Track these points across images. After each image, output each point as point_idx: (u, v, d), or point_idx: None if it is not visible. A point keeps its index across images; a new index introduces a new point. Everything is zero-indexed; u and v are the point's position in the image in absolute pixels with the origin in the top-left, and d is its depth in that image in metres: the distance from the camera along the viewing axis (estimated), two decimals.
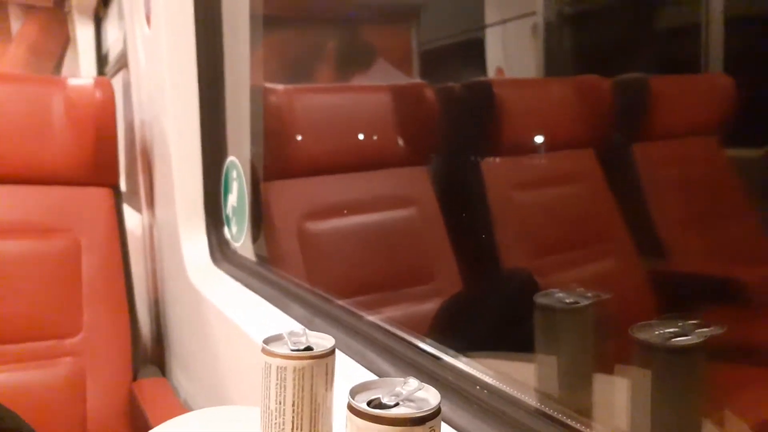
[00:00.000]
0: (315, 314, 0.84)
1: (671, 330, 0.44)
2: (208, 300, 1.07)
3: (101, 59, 2.82)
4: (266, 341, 0.49)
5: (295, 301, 0.91)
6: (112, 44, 2.57)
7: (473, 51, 1.15)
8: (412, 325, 0.74)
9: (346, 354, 0.70)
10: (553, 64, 1.01)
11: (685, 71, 0.75)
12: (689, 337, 0.43)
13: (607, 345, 0.52)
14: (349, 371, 0.68)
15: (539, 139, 1.03)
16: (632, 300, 0.61)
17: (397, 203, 1.19)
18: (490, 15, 1.14)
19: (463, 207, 1.07)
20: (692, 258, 0.63)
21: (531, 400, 0.51)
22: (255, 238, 1.15)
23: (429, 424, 0.38)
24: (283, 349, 0.48)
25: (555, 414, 0.49)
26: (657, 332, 0.44)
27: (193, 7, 1.15)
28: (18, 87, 1.25)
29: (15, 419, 0.74)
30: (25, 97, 1.23)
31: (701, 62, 0.69)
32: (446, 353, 0.62)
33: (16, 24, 3.27)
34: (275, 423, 0.48)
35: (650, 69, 0.81)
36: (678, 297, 0.57)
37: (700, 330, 0.43)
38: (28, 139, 1.20)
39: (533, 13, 1.01)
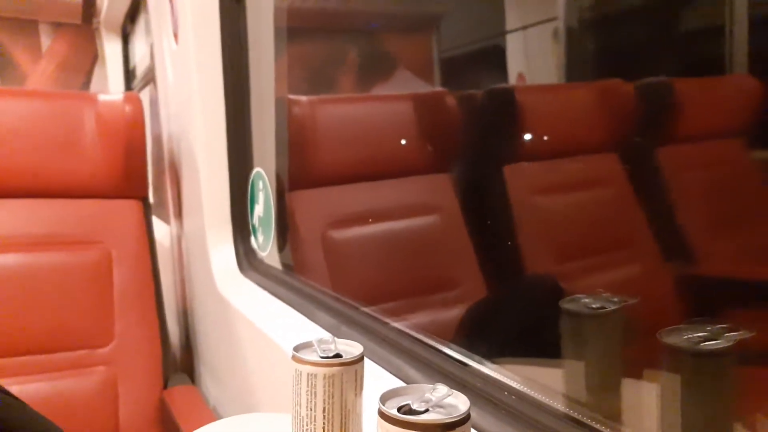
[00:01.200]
0: (342, 321, 0.85)
1: (700, 334, 0.44)
2: (235, 308, 1.08)
3: (128, 74, 2.89)
4: (296, 349, 0.50)
5: (321, 308, 0.92)
6: (139, 60, 2.63)
7: (494, 58, 1.15)
8: (438, 331, 0.74)
9: (374, 361, 0.71)
10: (575, 69, 1.01)
11: (709, 73, 0.74)
12: (718, 341, 0.43)
13: (635, 350, 0.52)
14: (376, 378, 0.68)
15: (562, 144, 1.03)
16: (659, 305, 0.61)
17: (420, 211, 1.19)
18: (511, 21, 1.14)
19: (486, 213, 1.07)
20: (719, 261, 0.63)
21: (559, 406, 0.51)
22: (281, 247, 1.17)
23: (459, 429, 0.38)
24: (313, 356, 0.49)
25: (584, 419, 0.49)
26: (685, 336, 0.44)
27: (219, 22, 1.18)
28: (50, 103, 1.28)
29: (56, 430, 0.76)
30: (57, 113, 1.26)
31: (726, 64, 0.68)
32: (473, 359, 0.62)
33: (46, 41, 3.36)
34: (307, 429, 0.49)
35: (673, 72, 0.80)
36: (706, 301, 0.57)
37: (729, 334, 0.43)
38: (60, 154, 1.24)
39: (554, 18, 1.01)
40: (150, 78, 2.21)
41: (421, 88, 1.30)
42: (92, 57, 3.37)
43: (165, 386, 1.22)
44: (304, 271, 1.14)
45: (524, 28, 1.10)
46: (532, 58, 1.08)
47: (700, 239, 0.67)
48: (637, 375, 0.51)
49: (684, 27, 0.75)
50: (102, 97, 1.29)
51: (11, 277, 1.15)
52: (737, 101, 0.70)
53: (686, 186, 0.75)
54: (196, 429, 0.69)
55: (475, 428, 0.53)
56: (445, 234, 1.16)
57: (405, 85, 1.38)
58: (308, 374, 0.48)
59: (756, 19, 0.64)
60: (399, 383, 0.67)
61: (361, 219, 1.17)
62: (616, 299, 0.52)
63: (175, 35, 1.31)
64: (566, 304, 0.54)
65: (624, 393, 0.51)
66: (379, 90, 1.43)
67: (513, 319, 0.80)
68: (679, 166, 0.79)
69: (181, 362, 1.50)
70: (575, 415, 0.49)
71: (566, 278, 0.79)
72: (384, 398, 0.41)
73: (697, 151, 0.76)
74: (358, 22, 1.49)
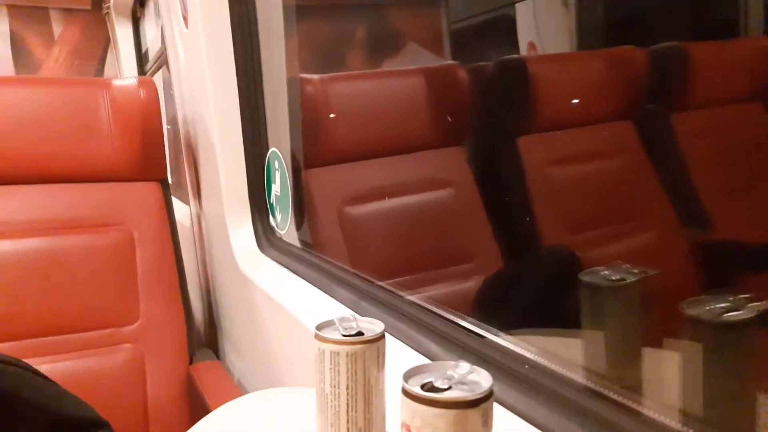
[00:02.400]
0: (360, 297, 0.85)
1: (722, 305, 0.43)
2: (256, 285, 1.09)
3: (141, 58, 2.87)
4: (318, 327, 0.50)
5: (340, 284, 0.92)
6: (151, 43, 2.61)
7: (504, 27, 1.12)
8: (456, 305, 0.73)
9: (394, 335, 0.71)
10: (587, 36, 0.98)
11: (723, 36, 0.72)
12: (741, 312, 0.42)
13: (655, 322, 0.51)
14: (397, 353, 0.68)
15: (575, 113, 1.01)
16: (679, 275, 0.60)
17: (434, 184, 1.18)
18: None
19: (500, 185, 1.06)
20: (740, 229, 0.61)
21: (580, 378, 0.51)
22: (298, 225, 1.17)
23: (482, 406, 0.38)
24: (335, 334, 0.49)
25: (604, 391, 0.48)
26: (708, 308, 0.43)
27: (228, 4, 1.16)
28: (67, 90, 1.28)
29: (89, 409, 0.77)
30: (73, 99, 1.26)
31: (740, 26, 0.66)
32: (492, 332, 0.62)
33: (57, 28, 3.35)
34: (331, 406, 0.49)
35: (687, 36, 0.77)
36: (727, 270, 0.56)
37: (752, 304, 0.42)
38: (79, 140, 1.24)
39: None
40: (162, 61, 2.19)
41: (432, 61, 1.28)
42: (104, 42, 3.35)
43: (190, 362, 1.23)
44: (322, 248, 1.14)
45: None
46: (543, 26, 1.05)
47: (720, 206, 0.66)
48: (658, 347, 0.50)
49: None
50: (116, 82, 1.29)
51: (37, 260, 1.16)
52: (753, 63, 0.68)
53: (703, 152, 0.74)
54: (222, 402, 0.70)
55: (496, 401, 0.53)
56: (461, 207, 1.15)
57: (415, 59, 1.36)
58: (331, 352, 0.48)
59: None
60: (420, 358, 0.67)
61: (376, 195, 1.16)
62: (635, 271, 0.51)
63: (185, 18, 1.29)
64: (585, 277, 0.53)
65: (645, 365, 0.51)
66: (390, 65, 1.40)
67: (531, 292, 0.79)
68: (695, 131, 0.77)
69: (205, 338, 1.52)
70: (596, 387, 0.49)
71: (584, 250, 0.78)
72: (407, 376, 0.40)
73: (713, 116, 0.74)
74: None
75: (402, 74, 1.30)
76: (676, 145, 0.80)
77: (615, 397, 0.47)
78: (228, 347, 1.40)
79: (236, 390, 1.11)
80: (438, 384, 0.39)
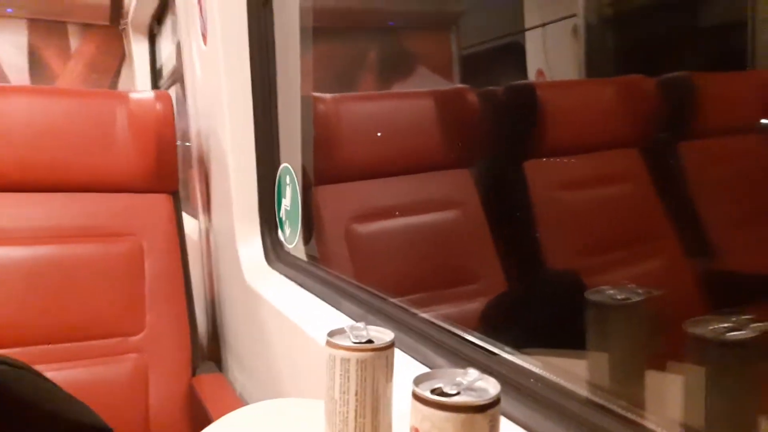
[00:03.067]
0: (368, 311, 0.86)
1: (725, 325, 0.44)
2: (263, 298, 1.10)
3: (155, 74, 2.92)
4: (330, 334, 0.51)
5: (346, 298, 0.93)
6: (166, 59, 2.66)
7: (514, 54, 1.15)
8: (461, 323, 0.74)
9: (401, 349, 0.72)
10: (595, 64, 1.00)
11: (731, 68, 0.73)
12: (744, 332, 0.43)
13: (660, 340, 0.52)
14: (404, 365, 0.69)
15: (582, 139, 1.02)
16: (683, 297, 0.61)
17: (441, 205, 1.20)
18: (530, 18, 1.14)
19: (507, 208, 1.07)
20: (742, 255, 0.62)
21: (585, 393, 0.51)
22: (306, 240, 1.18)
23: (489, 412, 0.39)
24: (346, 342, 0.50)
25: (609, 405, 0.49)
26: (711, 327, 0.44)
27: (246, 23, 1.19)
28: (84, 101, 1.30)
29: (90, 414, 0.78)
30: (90, 110, 1.28)
31: (747, 58, 0.68)
32: (499, 348, 0.63)
33: (75, 42, 3.42)
34: (339, 411, 0.50)
35: (695, 66, 0.79)
36: (730, 293, 0.57)
37: (754, 324, 0.43)
38: (94, 150, 1.26)
39: (573, 15, 1.01)
40: (177, 77, 2.23)
41: (442, 84, 1.30)
42: (120, 57, 3.42)
43: (194, 374, 1.24)
44: (329, 263, 1.15)
45: (543, 25, 1.10)
46: (552, 54, 1.07)
47: (724, 232, 0.67)
48: (662, 365, 0.51)
49: (705, 21, 0.75)
50: (133, 95, 1.31)
51: (47, 267, 1.17)
52: (760, 95, 0.69)
53: (708, 180, 0.75)
54: (224, 414, 0.71)
55: (503, 414, 0.54)
56: (467, 228, 1.16)
57: (426, 81, 1.39)
58: (342, 359, 0.49)
59: None
60: (425, 369, 0.67)
61: (384, 213, 1.18)
62: (641, 291, 0.52)
63: (204, 36, 1.33)
64: (591, 296, 0.54)
65: (649, 382, 0.51)
66: (401, 87, 1.43)
67: (538, 311, 0.80)
68: (701, 160, 0.79)
69: (208, 351, 1.52)
70: (601, 402, 0.50)
71: (587, 272, 0.79)
72: (418, 381, 0.41)
73: (720, 146, 0.76)
74: (379, 21, 1.49)
75: (412, 96, 1.32)
76: (683, 172, 0.82)
77: (620, 411, 0.48)
78: (231, 360, 1.40)
79: (239, 402, 1.12)
80: (447, 389, 0.41)
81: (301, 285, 1.07)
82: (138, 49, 3.03)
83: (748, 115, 0.74)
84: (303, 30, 1.21)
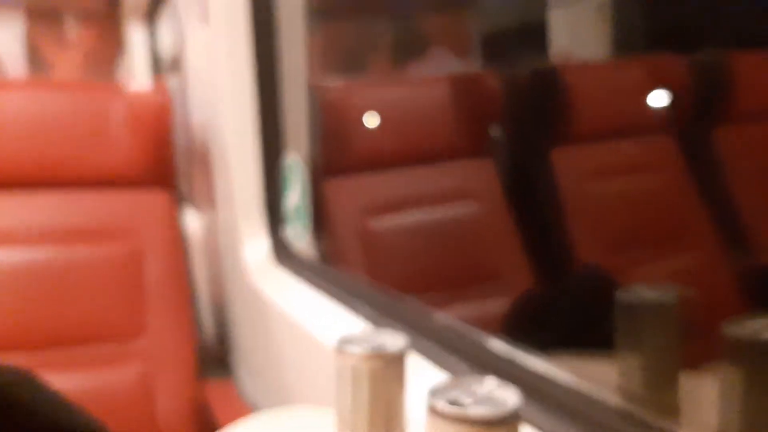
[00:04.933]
0: (380, 312, 0.85)
1: (765, 325, 0.43)
2: (270, 299, 1.10)
3: (155, 62, 2.94)
4: (340, 342, 0.51)
5: (358, 299, 0.92)
6: (165, 48, 2.67)
7: (536, 34, 1.13)
8: (482, 323, 0.74)
9: (417, 352, 0.71)
10: (623, 44, 0.99)
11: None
12: None
13: (696, 342, 0.52)
14: (419, 369, 0.69)
15: (610, 125, 1.01)
16: (721, 296, 0.60)
17: (460, 197, 1.19)
18: None
19: (531, 199, 1.06)
20: None
21: (613, 400, 0.51)
22: (316, 236, 1.18)
23: (509, 423, 0.38)
24: (357, 349, 0.50)
25: (639, 414, 0.48)
26: (750, 328, 0.43)
27: (248, 6, 1.19)
28: (79, 93, 1.32)
29: (95, 422, 0.78)
30: (86, 103, 1.30)
31: None
32: (520, 352, 0.62)
33: (72, 31, 3.45)
34: (351, 422, 0.50)
35: (731, 45, 0.78)
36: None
37: None
38: (90, 144, 1.27)
39: None
40: (177, 65, 2.24)
41: (459, 68, 1.29)
42: (118, 46, 3.44)
43: (200, 378, 1.25)
44: (340, 261, 1.15)
45: (567, 3, 1.08)
46: (576, 34, 1.06)
47: (764, 227, 0.66)
48: (697, 368, 0.50)
49: None
50: (130, 86, 1.33)
51: (42, 269, 1.19)
52: None
53: (748, 169, 0.73)
54: (232, 420, 0.71)
55: (527, 422, 0.53)
56: (489, 221, 1.15)
57: (441, 65, 1.37)
58: (353, 367, 0.49)
59: None
60: (443, 375, 0.67)
61: (398, 206, 1.17)
62: (674, 290, 0.52)
63: (204, 21, 1.33)
64: (623, 296, 0.53)
65: (683, 387, 0.51)
66: (415, 71, 1.42)
67: (562, 310, 0.79)
68: (739, 147, 0.77)
69: (215, 354, 1.53)
70: (630, 410, 0.49)
71: (618, 268, 0.78)
72: (433, 391, 0.41)
73: (759, 132, 0.74)
74: (392, 1, 1.48)
75: (428, 82, 1.31)
76: (718, 161, 0.80)
77: (652, 420, 0.47)
78: (239, 364, 1.41)
79: (247, 408, 1.12)
80: (464, 400, 0.40)
81: (310, 285, 1.07)
82: (136, 36, 3.05)
83: None
84: (308, 11, 1.20)
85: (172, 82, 2.22)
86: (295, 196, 1.18)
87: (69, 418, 0.76)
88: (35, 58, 3.38)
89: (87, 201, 1.26)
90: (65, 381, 1.13)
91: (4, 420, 0.67)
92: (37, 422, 0.71)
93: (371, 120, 1.21)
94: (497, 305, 1.04)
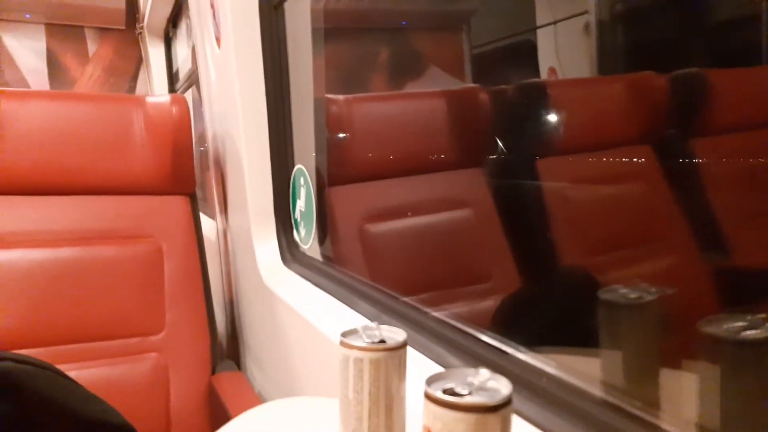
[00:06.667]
0: (381, 310, 0.86)
1: (740, 324, 0.44)
2: (279, 298, 1.11)
3: (172, 77, 2.95)
4: (344, 335, 0.51)
5: (361, 298, 0.93)
6: (182, 63, 2.69)
7: (525, 52, 1.14)
8: (475, 321, 0.74)
9: (414, 348, 0.72)
10: (607, 62, 1.00)
11: (744, 64, 0.72)
12: (759, 330, 0.43)
13: (673, 340, 0.52)
14: (418, 364, 0.70)
15: (594, 137, 1.02)
16: (696, 295, 0.60)
17: (453, 204, 1.20)
18: (542, 16, 1.13)
19: (519, 207, 1.07)
20: (759, 253, 0.62)
21: (598, 393, 0.51)
22: (321, 240, 1.19)
23: (501, 412, 0.39)
24: (359, 342, 0.50)
25: (622, 405, 0.49)
26: (726, 326, 0.44)
27: (259, 27, 1.20)
28: (102, 105, 1.32)
29: (112, 412, 0.79)
30: (108, 114, 1.30)
31: (762, 53, 0.67)
32: (510, 347, 0.63)
33: (92, 46, 3.46)
34: (354, 410, 0.50)
35: (708, 63, 0.78)
36: (744, 291, 0.56)
37: None
38: (113, 154, 1.28)
39: (585, 12, 1.00)
40: (193, 80, 2.25)
41: (453, 84, 1.30)
42: (137, 61, 3.45)
43: (213, 372, 1.25)
44: (343, 263, 1.15)
45: (555, 22, 1.09)
46: (563, 52, 1.07)
47: (736, 230, 0.66)
48: (676, 365, 0.50)
49: (718, 16, 0.74)
50: (150, 99, 1.33)
51: (69, 269, 1.19)
52: None
53: (721, 177, 0.74)
54: (242, 411, 0.71)
55: (515, 413, 0.54)
56: (480, 227, 1.16)
57: (437, 82, 1.38)
58: (355, 359, 0.49)
59: None
60: (439, 368, 0.68)
61: (397, 213, 1.18)
62: (653, 290, 0.52)
63: (218, 39, 1.34)
64: (604, 295, 0.54)
65: (662, 382, 0.51)
66: (412, 87, 1.43)
67: (550, 309, 0.80)
68: (713, 157, 0.78)
69: (227, 349, 1.53)
70: (613, 401, 0.50)
71: (600, 270, 0.79)
72: (430, 381, 0.42)
73: (731, 142, 0.75)
74: (390, 21, 1.49)
75: (424, 96, 1.32)
76: (695, 169, 0.81)
77: (633, 411, 0.48)
78: (250, 358, 1.41)
79: (257, 400, 1.13)
80: (459, 389, 0.41)
81: (316, 284, 1.08)
82: (154, 52, 3.07)
83: (762, 110, 0.72)
84: (315, 31, 1.21)
85: (187, 95, 2.23)
86: (303, 202, 1.19)
87: (88, 408, 0.77)
88: (57, 72, 3.39)
89: (111, 206, 1.27)
90: (87, 374, 1.15)
91: (23, 408, 0.67)
92: (57, 412, 0.72)
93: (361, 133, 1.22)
94: (487, 305, 1.05)
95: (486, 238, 1.16)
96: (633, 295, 0.53)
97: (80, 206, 1.26)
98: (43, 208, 1.24)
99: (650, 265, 0.79)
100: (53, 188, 1.25)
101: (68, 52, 3.42)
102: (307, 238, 1.18)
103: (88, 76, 3.46)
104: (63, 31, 3.39)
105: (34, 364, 0.72)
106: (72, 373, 0.78)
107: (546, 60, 1.13)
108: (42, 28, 3.35)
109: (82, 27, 3.43)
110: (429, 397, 0.40)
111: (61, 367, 0.78)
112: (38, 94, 1.39)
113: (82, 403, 0.77)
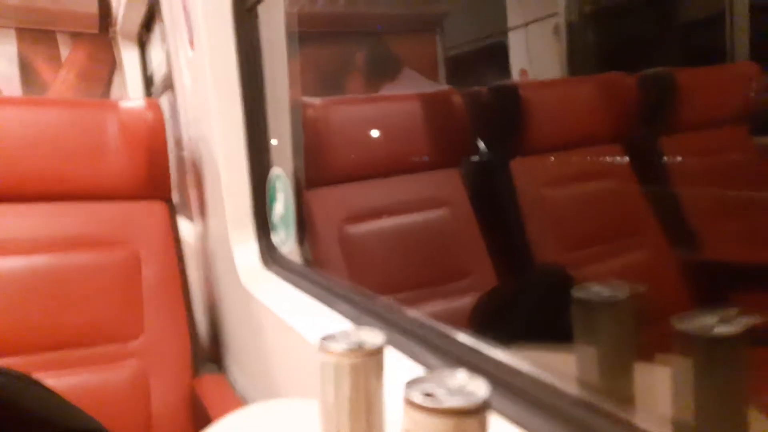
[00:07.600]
0: (361, 312, 0.85)
1: (712, 320, 0.44)
2: (259, 301, 1.09)
3: (147, 81, 2.90)
4: (322, 340, 0.50)
5: (341, 299, 0.92)
6: (157, 67, 2.63)
7: (497, 54, 1.14)
8: (453, 319, 0.74)
9: (394, 348, 0.71)
10: (577, 63, 1.00)
11: (710, 62, 0.73)
12: (731, 326, 0.43)
13: (647, 336, 0.52)
14: (397, 364, 0.69)
15: (566, 137, 1.02)
16: (669, 291, 0.61)
17: (430, 204, 1.19)
18: (513, 18, 1.13)
19: (494, 205, 1.07)
20: (727, 247, 0.62)
21: (574, 390, 0.51)
22: (300, 242, 1.17)
23: (479, 414, 0.38)
24: (338, 347, 0.49)
25: (598, 403, 0.49)
26: (698, 322, 0.44)
27: (233, 30, 1.18)
28: (75, 111, 1.29)
29: (94, 422, 0.77)
30: (81, 120, 1.27)
31: (726, 52, 0.67)
32: (487, 345, 0.63)
33: (65, 51, 3.37)
34: (333, 416, 0.49)
35: (674, 62, 0.79)
36: (715, 286, 0.56)
37: (741, 318, 0.43)
38: (87, 160, 1.25)
39: (555, 14, 1.00)
40: (168, 84, 2.21)
41: (428, 87, 1.30)
42: (110, 65, 3.38)
43: (195, 375, 1.23)
44: (322, 264, 1.14)
45: (525, 25, 1.10)
46: (534, 53, 1.07)
47: (707, 226, 0.67)
48: (650, 361, 0.50)
49: (684, 17, 0.74)
50: (124, 104, 1.30)
51: (44, 277, 1.16)
52: (739, 87, 0.69)
53: (690, 173, 0.75)
54: (225, 414, 0.70)
55: (495, 411, 0.53)
56: (457, 226, 1.16)
57: (412, 83, 1.38)
58: (334, 364, 0.48)
59: (758, 7, 0.63)
60: (418, 368, 0.67)
61: (375, 214, 1.17)
62: (626, 287, 0.52)
63: (191, 43, 1.31)
64: (577, 293, 0.54)
65: (637, 379, 0.51)
66: (388, 90, 1.42)
67: (525, 307, 0.80)
68: (682, 154, 0.79)
69: (209, 353, 1.51)
70: (589, 399, 0.49)
71: (574, 266, 0.79)
72: (408, 385, 0.41)
73: (700, 139, 0.76)
74: (365, 24, 1.48)
75: (400, 99, 1.32)
76: (664, 167, 0.82)
77: (608, 408, 0.47)
78: (231, 361, 1.39)
79: (239, 403, 1.11)
80: (438, 393, 0.40)
81: (296, 287, 1.06)
82: (128, 56, 3.00)
83: (728, 108, 0.73)
84: (289, 35, 1.20)
85: (163, 100, 2.19)
86: (281, 205, 1.17)
87: (63, 417, 0.75)
88: (29, 77, 3.30)
89: (87, 212, 1.24)
90: (67, 382, 1.12)
91: (3, 423, 0.65)
92: (35, 423, 0.70)
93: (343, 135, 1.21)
94: (465, 302, 1.05)
95: (463, 235, 1.16)
96: (606, 293, 0.53)
97: (54, 213, 1.22)
98: (16, 215, 1.20)
99: (622, 260, 0.79)
100: (27, 195, 1.22)
101: (40, 57, 3.33)
102: (285, 241, 1.17)
103: (61, 81, 3.38)
104: (34, 35, 3.30)
105: (8, 375, 0.70)
106: (50, 382, 0.76)
107: (518, 62, 1.13)
108: (12, 32, 3.26)
109: (54, 31, 3.35)
110: (408, 402, 0.39)
111: (38, 375, 0.76)
112: (10, 101, 1.35)
113: (60, 412, 0.75)
